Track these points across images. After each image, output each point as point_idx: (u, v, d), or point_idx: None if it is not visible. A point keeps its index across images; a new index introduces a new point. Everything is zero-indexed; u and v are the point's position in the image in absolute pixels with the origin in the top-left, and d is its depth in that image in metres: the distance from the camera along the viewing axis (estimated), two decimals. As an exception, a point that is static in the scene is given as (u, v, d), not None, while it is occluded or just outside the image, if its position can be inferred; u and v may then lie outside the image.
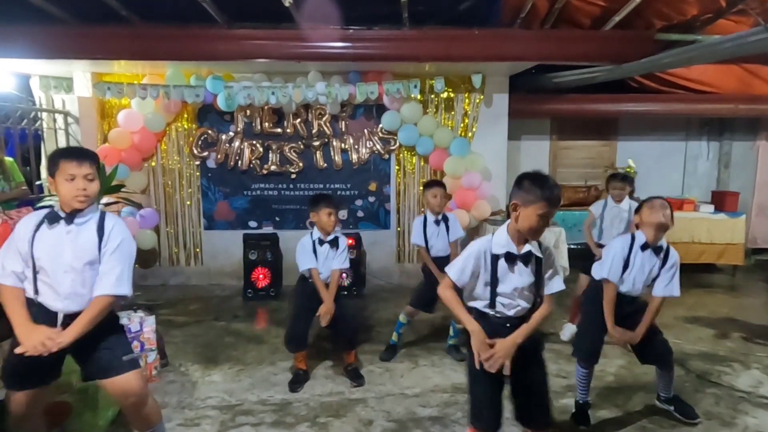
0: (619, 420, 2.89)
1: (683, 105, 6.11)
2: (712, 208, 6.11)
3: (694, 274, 5.98)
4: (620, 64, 4.68)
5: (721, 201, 6.23)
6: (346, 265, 3.34)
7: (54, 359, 2.09)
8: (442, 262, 3.64)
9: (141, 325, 3.22)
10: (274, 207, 5.80)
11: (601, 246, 3.82)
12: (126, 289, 2.12)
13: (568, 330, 4.07)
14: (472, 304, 2.10)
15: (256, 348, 3.94)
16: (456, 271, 2.03)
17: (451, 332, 3.81)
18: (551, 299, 2.08)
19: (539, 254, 1.99)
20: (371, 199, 5.82)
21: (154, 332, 3.31)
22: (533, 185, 1.90)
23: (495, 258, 1.98)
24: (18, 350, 1.94)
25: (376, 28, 4.54)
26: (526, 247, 1.97)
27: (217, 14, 4.24)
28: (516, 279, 1.98)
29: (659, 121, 6.71)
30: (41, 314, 2.06)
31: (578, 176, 6.82)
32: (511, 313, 2.01)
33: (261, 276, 5.30)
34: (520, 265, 1.97)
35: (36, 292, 2.06)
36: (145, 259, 5.68)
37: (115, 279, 2.08)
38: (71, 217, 2.05)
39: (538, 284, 2.01)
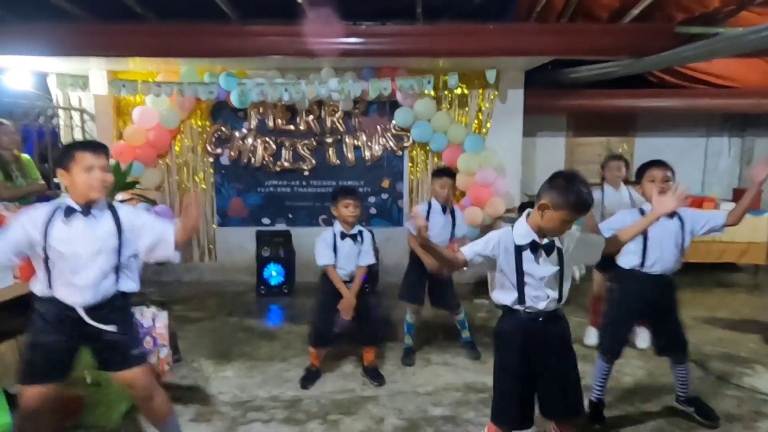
0: (637, 420, 2.82)
1: (704, 100, 5.95)
2: (733, 206, 5.95)
3: (714, 273, 5.85)
4: (639, 58, 4.57)
5: (743, 199, 6.08)
6: (372, 260, 3.29)
7: (71, 352, 2.12)
8: None
9: (154, 320, 3.22)
10: (287, 204, 5.80)
11: None
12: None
13: (592, 334, 3.97)
14: (499, 299, 2.07)
15: (268, 344, 3.94)
16: (471, 250, 2.01)
17: (459, 326, 3.74)
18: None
19: (560, 245, 1.97)
20: (384, 196, 5.79)
21: (167, 328, 3.31)
22: (566, 191, 1.86)
23: (519, 249, 1.95)
24: None
25: (389, 24, 4.51)
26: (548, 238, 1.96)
27: (230, 11, 4.25)
28: (541, 269, 1.96)
29: (679, 117, 6.57)
30: (56, 309, 2.06)
31: (595, 173, 6.68)
32: (541, 306, 1.98)
33: (274, 273, 5.31)
34: (543, 255, 1.95)
35: (50, 286, 2.05)
36: (159, 255, 5.73)
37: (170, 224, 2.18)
38: (87, 208, 2.05)
39: (561, 274, 1.99)
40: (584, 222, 3.54)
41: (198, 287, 5.57)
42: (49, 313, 2.07)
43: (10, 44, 4.42)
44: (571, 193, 1.85)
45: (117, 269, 2.12)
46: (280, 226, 5.77)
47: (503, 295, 2.05)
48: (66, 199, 2.08)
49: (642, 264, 2.65)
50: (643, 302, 2.70)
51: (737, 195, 6.27)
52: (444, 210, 3.56)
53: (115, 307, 2.15)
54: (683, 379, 2.80)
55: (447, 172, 3.63)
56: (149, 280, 5.65)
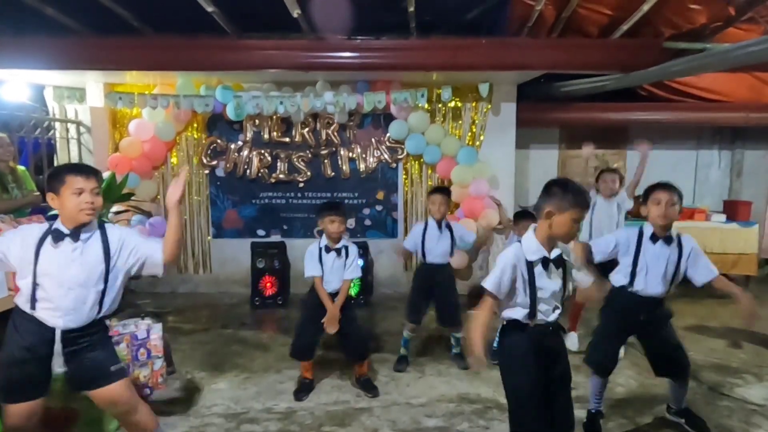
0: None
1: (694, 114, 6.05)
2: (723, 217, 6.03)
3: (706, 284, 5.89)
4: (629, 73, 4.66)
5: (734, 210, 6.15)
6: (357, 274, 3.31)
7: (47, 370, 2.10)
8: (440, 269, 3.66)
9: (148, 332, 3.22)
10: (282, 215, 5.83)
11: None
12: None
13: (571, 339, 4.02)
14: (510, 314, 2.07)
15: (262, 356, 3.94)
16: (493, 283, 1.99)
17: (452, 341, 3.79)
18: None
19: (567, 257, 2.02)
20: (379, 207, 5.82)
21: (161, 340, 3.31)
22: (566, 192, 1.93)
23: (531, 265, 1.98)
24: None
25: (383, 38, 4.58)
26: (556, 251, 2.00)
27: (226, 25, 4.31)
28: (552, 283, 2.00)
29: (670, 130, 6.65)
30: (36, 329, 2.06)
31: (588, 185, 6.75)
32: (551, 318, 2.03)
33: (268, 284, 5.32)
34: (553, 269, 1.99)
35: (33, 307, 2.05)
36: (154, 266, 5.72)
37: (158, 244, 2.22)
38: (76, 233, 2.06)
39: (565, 287, 2.04)
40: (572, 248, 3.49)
41: (192, 299, 5.56)
42: (26, 331, 2.07)
43: (8, 57, 4.46)
44: (570, 192, 1.92)
45: (103, 294, 2.12)
46: (275, 238, 5.79)
47: (513, 311, 2.05)
48: (56, 223, 2.08)
49: (630, 284, 2.66)
50: (629, 321, 2.69)
51: (727, 206, 6.34)
52: (440, 227, 3.63)
53: (93, 331, 2.15)
54: (679, 394, 2.81)
55: (439, 190, 3.71)
56: (144, 291, 5.65)
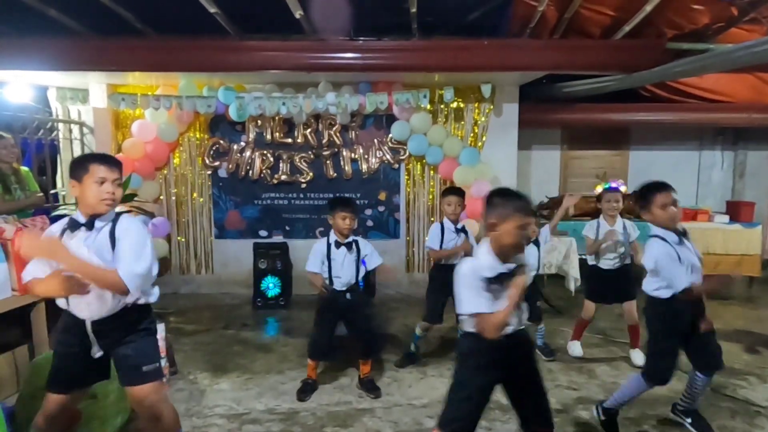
0: (632, 433, 2.83)
1: (696, 114, 6.04)
2: (727, 218, 6.01)
3: (709, 285, 5.87)
4: (631, 74, 4.65)
5: (737, 211, 6.13)
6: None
7: (86, 362, 2.14)
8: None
9: (150, 332, 3.23)
10: (284, 216, 5.84)
11: (596, 268, 3.74)
12: (138, 269, 2.02)
13: (574, 347, 3.95)
14: (465, 326, 2.04)
15: (264, 357, 3.94)
16: (480, 304, 1.90)
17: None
18: None
19: (525, 264, 1.97)
20: (381, 208, 5.82)
21: (164, 340, 3.32)
22: (505, 199, 1.91)
23: (488, 281, 1.91)
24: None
25: (385, 39, 4.58)
26: (511, 265, 1.93)
27: (229, 26, 4.31)
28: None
29: (672, 131, 6.65)
30: (72, 323, 2.11)
31: (590, 186, 6.75)
32: (509, 330, 1.97)
33: (271, 285, 5.32)
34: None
35: (66, 300, 2.08)
36: (156, 267, 5.74)
37: (126, 259, 2.03)
38: (91, 222, 2.07)
39: (528, 296, 1.99)
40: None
41: (194, 299, 5.56)
42: (66, 325, 2.14)
43: (11, 58, 4.48)
44: (511, 199, 1.91)
45: None
46: (278, 239, 5.79)
47: (469, 323, 2.00)
48: (74, 213, 2.11)
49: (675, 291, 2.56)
50: (683, 323, 2.64)
51: (730, 207, 6.33)
52: (456, 228, 3.67)
53: (126, 322, 2.14)
54: (699, 390, 2.74)
55: (452, 191, 3.73)
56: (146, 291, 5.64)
